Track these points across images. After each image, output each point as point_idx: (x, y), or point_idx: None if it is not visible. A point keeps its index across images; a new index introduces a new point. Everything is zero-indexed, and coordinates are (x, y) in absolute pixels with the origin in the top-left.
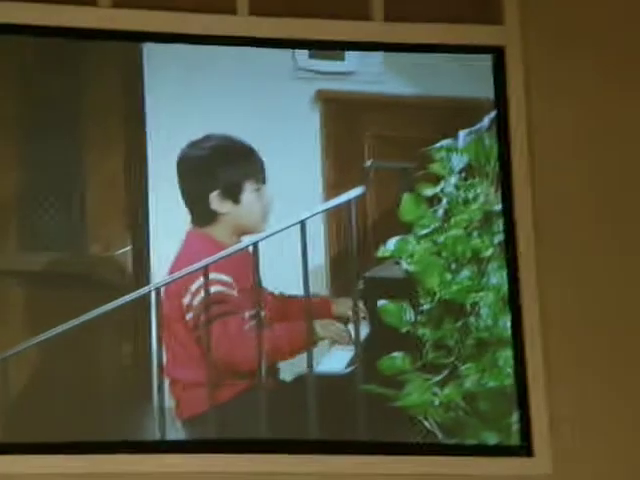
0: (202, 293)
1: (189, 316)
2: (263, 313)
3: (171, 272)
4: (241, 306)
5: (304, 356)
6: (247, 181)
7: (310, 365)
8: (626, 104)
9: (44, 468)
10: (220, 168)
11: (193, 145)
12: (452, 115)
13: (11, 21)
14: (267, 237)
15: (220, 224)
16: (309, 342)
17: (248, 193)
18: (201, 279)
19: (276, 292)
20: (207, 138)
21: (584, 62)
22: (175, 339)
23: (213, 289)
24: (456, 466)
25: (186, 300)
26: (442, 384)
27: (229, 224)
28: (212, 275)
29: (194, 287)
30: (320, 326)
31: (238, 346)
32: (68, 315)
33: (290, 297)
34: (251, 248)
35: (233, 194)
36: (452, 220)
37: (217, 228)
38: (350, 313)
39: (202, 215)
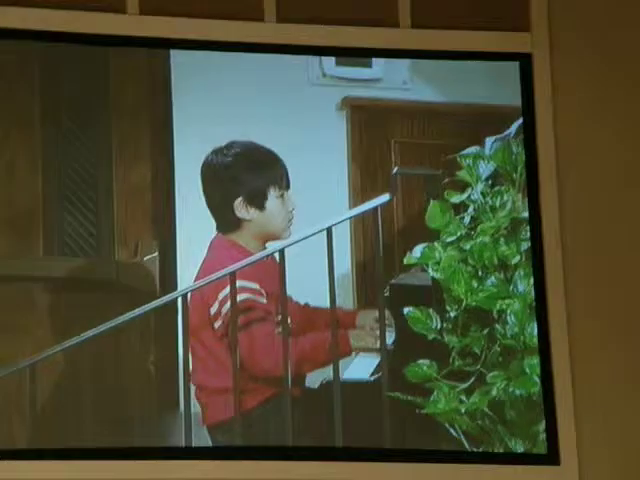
0: (230, 300)
1: (217, 324)
2: (289, 320)
3: (197, 279)
4: (268, 312)
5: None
6: (271, 187)
7: (336, 372)
8: None
9: (71, 474)
10: (244, 175)
11: (217, 152)
12: (479, 122)
13: (42, 27)
14: (294, 243)
15: (244, 231)
16: (333, 354)
17: (272, 199)
18: (228, 287)
19: (301, 303)
20: (231, 145)
21: (611, 69)
22: (202, 346)
23: (241, 296)
24: (482, 474)
25: (214, 308)
26: (468, 392)
27: (253, 231)
28: (239, 282)
29: (222, 295)
30: (354, 337)
31: (266, 353)
32: (94, 321)
33: (315, 308)
34: (277, 255)
35: (257, 201)
36: (479, 227)
37: (241, 235)
38: (373, 323)
39: (226, 222)
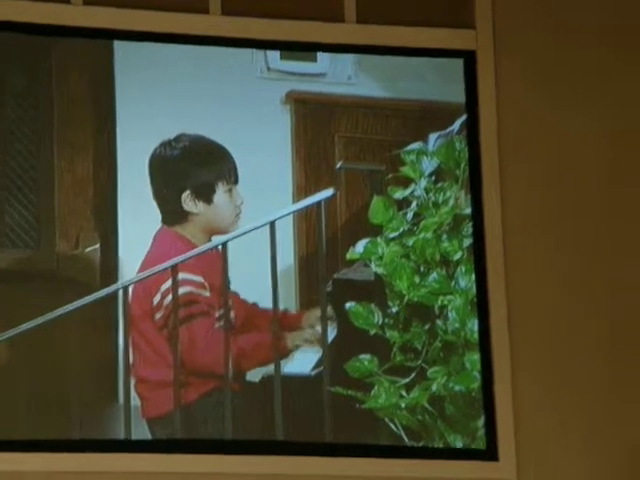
0: (172, 293)
1: (158, 315)
2: (232, 315)
3: (141, 271)
4: (212, 306)
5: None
6: (219, 181)
7: (277, 366)
8: (596, 115)
9: (8, 465)
10: (192, 168)
11: (165, 144)
12: (423, 118)
13: None
14: (236, 237)
15: (191, 224)
16: (275, 355)
17: (220, 193)
18: (171, 279)
19: (248, 301)
20: (179, 138)
21: (555, 67)
22: (143, 338)
23: (183, 289)
24: (422, 469)
25: (156, 299)
26: (409, 387)
27: (200, 224)
28: (183, 275)
29: (164, 287)
30: (290, 337)
31: (206, 348)
32: (35, 313)
33: (261, 309)
34: (220, 248)
35: (205, 194)
36: (422, 223)
37: (188, 227)
38: (318, 321)
39: (173, 214)
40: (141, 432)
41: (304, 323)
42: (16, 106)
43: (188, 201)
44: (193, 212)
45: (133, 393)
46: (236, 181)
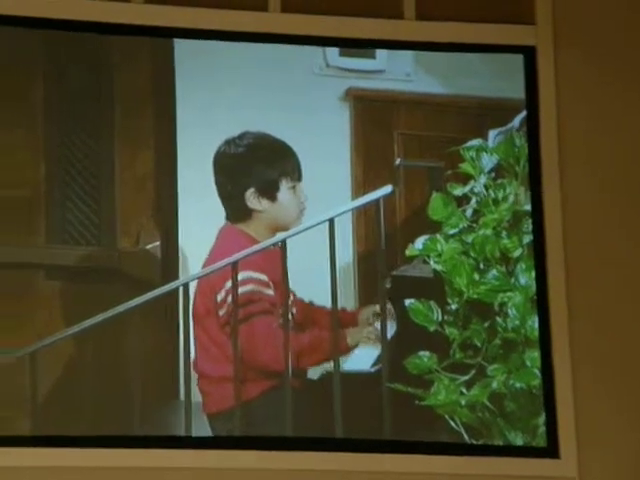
0: (232, 290)
1: (222, 312)
2: (292, 313)
3: (205, 266)
4: (274, 304)
5: None
6: (283, 179)
7: (336, 364)
8: None
9: (72, 461)
10: (256, 165)
11: (230, 142)
12: (482, 115)
13: (45, 15)
14: (295, 234)
15: (255, 221)
16: (334, 352)
17: (284, 191)
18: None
19: (305, 300)
20: (244, 135)
21: (615, 63)
22: (206, 334)
23: (246, 287)
24: (482, 466)
25: (220, 296)
26: (469, 384)
27: (264, 221)
28: (246, 273)
29: (229, 284)
30: (350, 334)
31: (267, 346)
32: (98, 309)
33: (319, 307)
34: (280, 245)
35: (270, 192)
36: (481, 220)
37: (252, 225)
38: (374, 318)
39: (237, 211)
40: (202, 427)
41: (361, 319)
42: (78, 103)
43: (252, 199)
44: (257, 209)
45: (194, 389)
46: (300, 178)
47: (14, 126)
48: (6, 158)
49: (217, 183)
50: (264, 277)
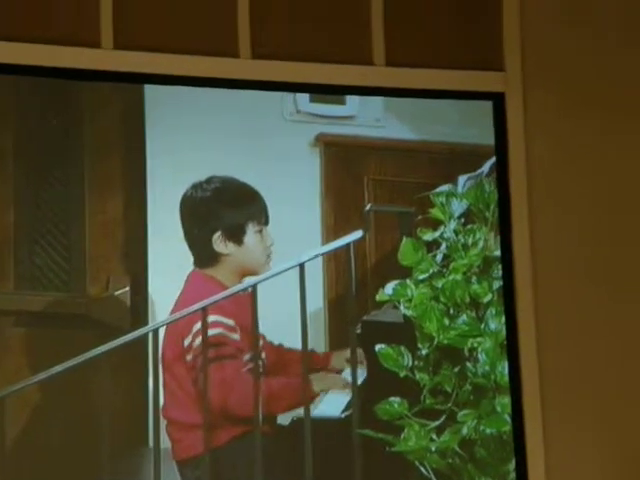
0: (201, 335)
1: (189, 357)
2: (262, 357)
3: (173, 312)
4: (241, 350)
5: None
6: (250, 222)
7: (307, 410)
8: (626, 155)
9: None
10: (223, 209)
11: (196, 186)
12: (452, 160)
13: (13, 61)
14: (265, 279)
15: (222, 265)
16: (305, 398)
17: (251, 234)
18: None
19: (275, 343)
20: (210, 179)
21: (585, 109)
22: (175, 381)
23: (213, 331)
24: None
25: (187, 340)
26: (439, 430)
27: (231, 265)
28: (214, 317)
29: (195, 328)
30: (315, 380)
31: (235, 391)
32: (66, 355)
33: (289, 350)
34: (250, 290)
35: (236, 235)
36: (451, 265)
37: (219, 269)
38: (347, 364)
39: (204, 256)
40: (171, 475)
41: (333, 363)
42: (47, 148)
43: (219, 242)
44: (224, 253)
45: (163, 436)
46: (267, 222)
47: None
48: None
49: (184, 227)
50: (231, 322)
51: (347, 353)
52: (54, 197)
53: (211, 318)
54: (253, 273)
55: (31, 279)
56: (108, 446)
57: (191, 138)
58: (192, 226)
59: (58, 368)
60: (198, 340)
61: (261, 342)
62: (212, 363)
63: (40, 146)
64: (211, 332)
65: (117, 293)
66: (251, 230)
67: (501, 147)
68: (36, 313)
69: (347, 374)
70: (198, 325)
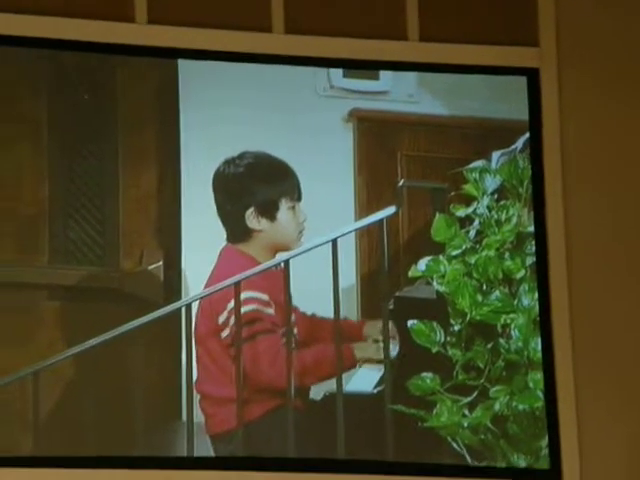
0: (235, 311)
1: (225, 334)
2: (295, 331)
3: (206, 288)
4: (275, 324)
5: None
6: (283, 199)
7: (339, 385)
8: None
9: None
10: (256, 185)
11: (229, 162)
12: (486, 136)
13: (50, 35)
14: (299, 254)
15: (255, 241)
16: (338, 368)
17: (284, 211)
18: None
19: (308, 313)
20: (243, 155)
21: (619, 84)
22: (209, 355)
23: (248, 307)
24: None
25: (222, 318)
26: (471, 406)
27: (264, 241)
28: (248, 293)
29: (230, 305)
30: (358, 349)
31: (270, 366)
32: (99, 329)
33: (322, 319)
34: (283, 265)
35: (269, 212)
36: (484, 241)
37: (252, 245)
38: (380, 334)
39: (237, 232)
40: (204, 448)
41: (366, 333)
42: (82, 123)
43: (252, 218)
44: (257, 229)
45: (197, 410)
46: (299, 198)
47: (19, 146)
48: (11, 177)
49: (217, 203)
50: (265, 297)
51: (378, 323)
52: (88, 171)
53: (245, 294)
54: (285, 249)
55: (65, 253)
56: (141, 420)
57: (225, 113)
58: (225, 202)
59: (92, 342)
60: (234, 317)
61: (294, 317)
62: (248, 339)
63: (74, 120)
64: (246, 308)
65: (150, 267)
66: (284, 206)
67: (535, 123)
68: (70, 287)
69: (381, 347)
70: (232, 302)
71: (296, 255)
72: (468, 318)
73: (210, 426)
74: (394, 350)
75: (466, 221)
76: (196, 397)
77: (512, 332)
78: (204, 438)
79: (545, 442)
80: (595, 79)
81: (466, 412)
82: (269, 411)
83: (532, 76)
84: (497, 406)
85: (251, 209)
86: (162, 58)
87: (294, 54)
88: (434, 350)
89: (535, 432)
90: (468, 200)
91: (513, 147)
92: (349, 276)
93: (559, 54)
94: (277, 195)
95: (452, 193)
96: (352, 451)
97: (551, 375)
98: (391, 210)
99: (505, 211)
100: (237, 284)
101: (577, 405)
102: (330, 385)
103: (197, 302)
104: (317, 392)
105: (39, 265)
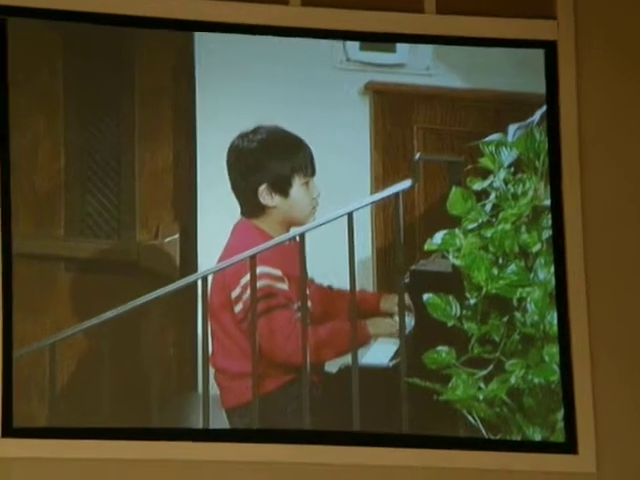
0: (250, 285)
1: (238, 308)
2: (309, 305)
3: (220, 262)
4: (289, 299)
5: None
6: (296, 174)
7: (354, 358)
8: None
9: (89, 453)
10: (269, 161)
11: (243, 136)
12: (502, 109)
13: (65, 7)
14: (314, 228)
15: (268, 217)
16: (354, 344)
17: (297, 187)
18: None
19: (324, 284)
20: (257, 130)
21: (636, 59)
22: (222, 330)
23: (262, 282)
24: (500, 461)
25: (235, 292)
26: (487, 379)
27: (277, 217)
28: (261, 268)
29: (244, 280)
30: (371, 325)
31: (285, 340)
32: (115, 302)
33: (338, 291)
34: (298, 239)
35: (282, 188)
36: (500, 215)
37: (265, 220)
38: (396, 308)
39: (251, 207)
40: (219, 421)
41: (382, 306)
42: (98, 96)
43: (265, 195)
44: (270, 205)
45: (212, 383)
46: (313, 173)
47: (35, 119)
48: (27, 150)
49: (231, 177)
50: (278, 272)
51: (395, 297)
52: (104, 144)
53: (258, 270)
54: (299, 224)
55: (81, 226)
56: (157, 392)
57: (241, 86)
58: (238, 177)
59: (107, 315)
60: (247, 293)
61: (308, 290)
62: (263, 314)
63: (91, 94)
64: (260, 283)
65: (166, 241)
66: (297, 182)
67: (552, 96)
68: (86, 260)
69: (396, 321)
70: (246, 278)
71: (312, 228)
72: (484, 292)
73: (225, 400)
74: (410, 324)
75: (482, 194)
76: (211, 370)
77: (528, 306)
78: (220, 411)
79: (560, 415)
80: (613, 52)
81: (481, 385)
82: (284, 384)
83: (549, 49)
84: (513, 379)
85: (264, 185)
86: (178, 31)
87: (311, 27)
88: (450, 324)
89: (550, 406)
90: (484, 173)
91: (530, 120)
92: (365, 249)
93: (577, 27)
94: (290, 171)
95: (468, 166)
96: (367, 424)
97: (567, 349)
98: (407, 184)
99: (521, 184)
100: (252, 258)
101: (592, 379)
102: (346, 358)
103: (212, 276)
104: (332, 365)
105: (55, 237)
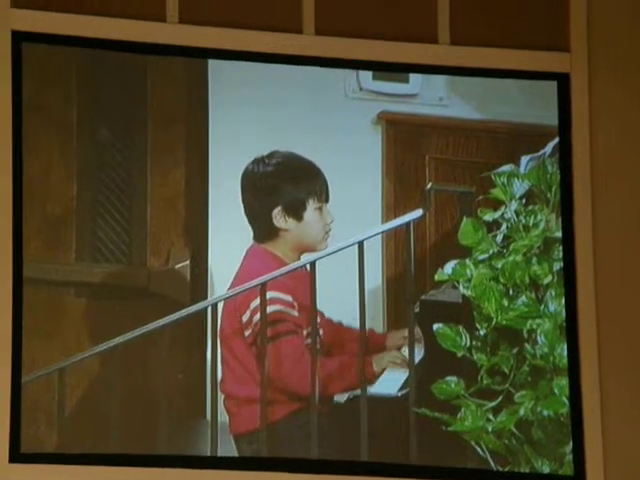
0: (260, 311)
1: (247, 332)
2: (320, 334)
3: (232, 287)
4: (299, 326)
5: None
6: (311, 199)
7: (363, 388)
8: None
9: (97, 479)
10: (284, 184)
11: (258, 161)
12: (515, 140)
13: (80, 34)
14: (325, 256)
15: (281, 240)
16: (364, 379)
17: (311, 211)
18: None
19: (334, 320)
20: (272, 154)
21: None
22: (232, 355)
23: (273, 308)
24: None
25: (245, 317)
26: (496, 410)
27: (290, 241)
28: (272, 294)
29: (253, 304)
30: (376, 361)
31: (294, 367)
32: (125, 327)
33: (348, 328)
34: (308, 266)
35: (296, 211)
36: (511, 246)
37: (278, 245)
38: (402, 342)
39: (264, 231)
40: (228, 448)
41: (389, 343)
42: (111, 123)
43: (279, 217)
44: (283, 228)
45: (221, 409)
46: (327, 199)
47: (48, 144)
48: (39, 175)
49: (244, 202)
50: (289, 298)
51: (404, 332)
52: (116, 169)
53: (269, 295)
54: (311, 250)
55: (92, 251)
56: (166, 418)
57: (254, 112)
58: (253, 200)
59: (118, 340)
60: (257, 316)
61: (319, 319)
62: (271, 340)
63: (104, 120)
64: (270, 309)
65: (177, 266)
66: (311, 206)
67: (565, 128)
68: (97, 285)
69: (405, 352)
70: (256, 302)
71: (323, 257)
72: (494, 323)
73: (234, 426)
74: (419, 354)
75: (493, 225)
76: (220, 397)
77: (538, 337)
78: (228, 438)
79: (569, 448)
80: (626, 85)
81: (490, 417)
82: (292, 412)
83: (562, 81)
84: (522, 411)
85: (278, 208)
86: (193, 57)
87: (324, 56)
88: (459, 354)
89: (559, 438)
90: (496, 204)
91: (542, 152)
92: (375, 278)
93: (590, 59)
94: (305, 195)
95: (480, 197)
96: (375, 454)
97: (576, 381)
98: (418, 213)
99: (533, 216)
100: (263, 284)
101: (602, 412)
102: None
103: (222, 302)
104: (341, 395)
105: (66, 262)
